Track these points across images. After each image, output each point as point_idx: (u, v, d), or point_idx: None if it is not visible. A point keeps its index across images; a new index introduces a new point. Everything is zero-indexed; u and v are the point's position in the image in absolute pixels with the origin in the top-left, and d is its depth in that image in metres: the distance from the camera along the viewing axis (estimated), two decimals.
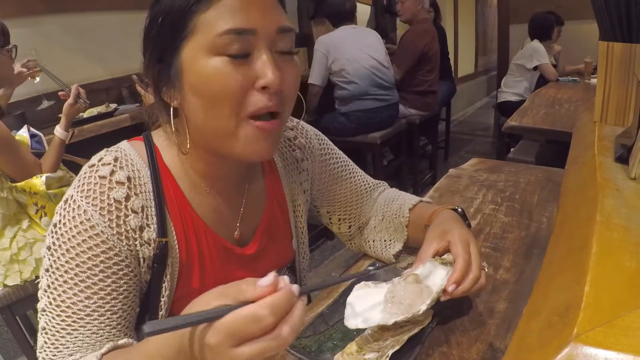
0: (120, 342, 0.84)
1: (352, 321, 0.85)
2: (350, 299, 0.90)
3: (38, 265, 2.07)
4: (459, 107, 8.05)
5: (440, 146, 5.73)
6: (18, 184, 2.04)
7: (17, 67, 2.49)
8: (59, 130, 2.25)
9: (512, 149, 4.22)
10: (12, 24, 2.21)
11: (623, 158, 1.03)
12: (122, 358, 0.78)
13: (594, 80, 4.57)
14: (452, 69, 6.22)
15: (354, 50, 3.81)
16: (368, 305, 0.88)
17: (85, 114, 2.98)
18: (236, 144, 0.83)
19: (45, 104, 2.95)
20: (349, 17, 3.91)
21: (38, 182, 2.05)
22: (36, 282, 2.03)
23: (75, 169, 2.39)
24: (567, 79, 4.85)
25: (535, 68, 4.90)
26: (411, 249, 1.19)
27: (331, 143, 1.26)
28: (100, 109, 3.16)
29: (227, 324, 0.58)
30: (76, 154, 2.45)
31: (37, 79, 2.80)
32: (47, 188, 2.06)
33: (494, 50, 9.31)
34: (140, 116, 3.15)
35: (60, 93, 2.37)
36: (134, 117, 3.14)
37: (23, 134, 2.36)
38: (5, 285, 2.03)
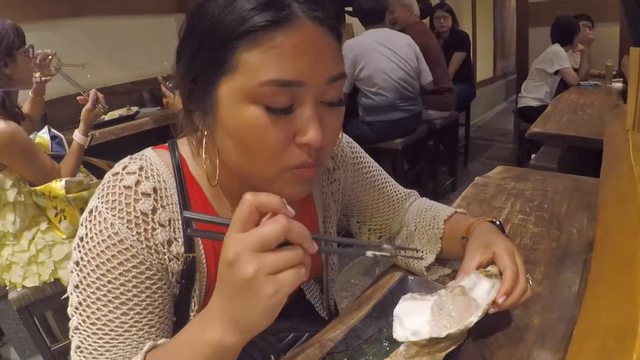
0: (160, 342, 0.81)
1: (401, 333, 0.84)
2: (397, 311, 0.88)
3: (57, 268, 2.08)
4: (477, 112, 8.01)
5: (459, 152, 5.68)
6: (37, 188, 2.04)
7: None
8: (77, 135, 2.24)
9: (532, 155, 4.19)
10: (35, 26, 2.22)
11: None
12: (162, 350, 0.76)
13: (615, 85, 4.54)
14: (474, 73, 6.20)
15: (384, 59, 3.73)
16: (415, 317, 0.86)
17: (107, 117, 2.99)
18: (272, 187, 0.78)
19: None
20: (379, 18, 3.83)
21: (57, 186, 2.05)
22: (54, 283, 2.05)
23: (96, 171, 2.40)
24: (588, 83, 4.79)
25: (556, 72, 4.84)
26: (442, 261, 1.17)
27: (363, 151, 1.22)
28: (122, 111, 3.17)
29: (243, 234, 0.59)
30: (98, 156, 2.46)
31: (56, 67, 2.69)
32: (67, 192, 2.05)
33: (512, 53, 9.26)
34: (162, 119, 3.16)
35: (79, 98, 2.36)
36: (156, 120, 3.15)
37: (44, 135, 2.37)
38: (23, 287, 2.04)
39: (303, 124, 0.73)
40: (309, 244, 0.61)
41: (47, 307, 2.16)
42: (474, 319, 0.81)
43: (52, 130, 2.42)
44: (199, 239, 0.88)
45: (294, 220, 0.60)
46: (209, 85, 0.75)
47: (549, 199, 1.58)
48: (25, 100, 2.43)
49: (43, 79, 2.36)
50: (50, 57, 2.38)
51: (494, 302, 0.85)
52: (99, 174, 2.42)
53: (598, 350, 0.54)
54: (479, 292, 0.88)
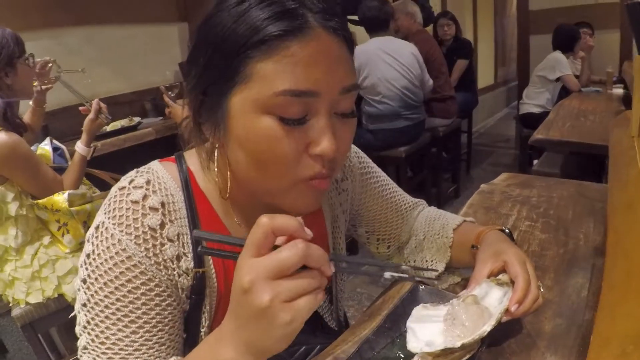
0: None
1: (414, 344, 0.83)
2: (410, 322, 0.88)
3: (60, 283, 2.05)
4: (479, 118, 8.02)
5: (462, 159, 5.69)
6: (40, 201, 2.02)
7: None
8: (79, 146, 2.22)
9: (534, 161, 4.19)
10: (36, 35, 2.21)
11: None
12: None
13: (616, 91, 4.55)
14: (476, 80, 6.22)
15: (388, 68, 3.74)
16: (429, 328, 0.86)
17: (109, 128, 2.98)
18: (285, 201, 0.79)
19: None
20: (383, 26, 3.84)
21: (60, 199, 2.02)
22: (58, 299, 2.03)
23: (99, 183, 2.39)
24: (589, 89, 4.82)
25: (558, 79, 4.87)
26: (452, 269, 1.17)
27: (371, 160, 1.21)
28: (124, 122, 3.17)
29: (258, 260, 0.58)
30: (100, 168, 2.45)
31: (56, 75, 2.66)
32: (70, 205, 2.03)
33: (513, 60, 9.31)
34: (165, 130, 3.16)
35: (81, 108, 2.34)
36: (158, 130, 3.15)
37: (45, 146, 2.36)
38: (27, 303, 2.00)
39: (317, 134, 0.72)
40: (326, 267, 0.60)
41: (51, 323, 2.14)
42: (487, 327, 0.81)
43: (54, 141, 2.42)
44: None
45: (312, 244, 0.59)
46: (221, 96, 0.75)
47: (555, 205, 1.58)
48: (25, 111, 2.42)
49: (43, 87, 2.35)
50: (49, 64, 2.38)
51: (506, 311, 0.84)
52: (102, 186, 2.41)
53: (617, 356, 0.54)
54: (491, 300, 0.88)
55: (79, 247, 2.10)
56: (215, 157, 0.83)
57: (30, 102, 2.39)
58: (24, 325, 2.03)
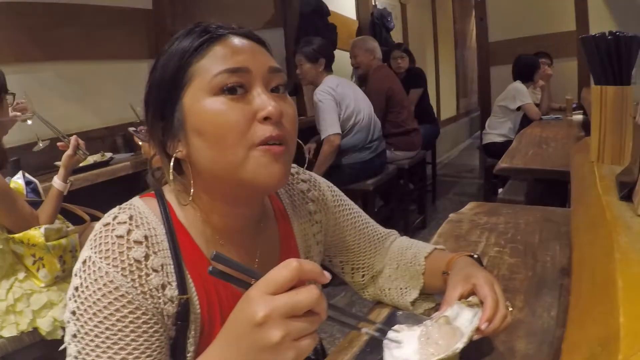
0: None
1: None
2: (386, 342, 0.91)
3: (35, 317, 2.02)
4: (443, 149, 8.14)
5: (427, 189, 5.77)
6: (15, 236, 2.01)
7: (10, 112, 2.49)
8: (56, 182, 2.21)
9: (499, 190, 4.28)
10: (9, 69, 2.19)
11: (626, 196, 1.07)
12: None
13: (576, 117, 4.70)
14: (435, 111, 6.32)
15: (356, 99, 3.85)
16: (404, 347, 0.89)
17: (82, 163, 2.96)
18: (247, 172, 0.84)
19: (41, 145, 2.91)
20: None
21: (37, 233, 2.01)
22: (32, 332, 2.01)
23: (72, 217, 2.38)
24: (550, 117, 4.96)
25: (519, 108, 4.99)
26: (425, 295, 1.21)
27: (343, 194, 1.27)
28: (96, 157, 3.15)
29: (276, 297, 0.61)
30: (72, 202, 2.43)
31: (29, 122, 2.75)
32: (46, 240, 2.02)
33: (474, 91, 9.50)
34: (136, 165, 3.16)
35: (59, 144, 2.33)
36: (130, 166, 3.15)
37: (18, 180, 2.33)
38: (1, 337, 1.97)
39: (259, 102, 0.84)
40: (325, 314, 0.64)
41: (25, 357, 2.09)
42: (460, 345, 0.85)
43: (27, 175, 2.39)
44: (191, 281, 0.90)
45: (322, 293, 0.63)
46: (175, 105, 0.87)
47: (522, 230, 1.65)
48: None
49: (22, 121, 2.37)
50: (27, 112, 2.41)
51: (477, 329, 0.89)
52: (75, 220, 2.41)
53: (587, 357, 0.60)
54: (462, 320, 0.92)
55: (54, 281, 2.09)
56: (188, 168, 0.90)
57: None
58: None
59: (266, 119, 0.82)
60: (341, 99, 3.74)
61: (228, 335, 0.66)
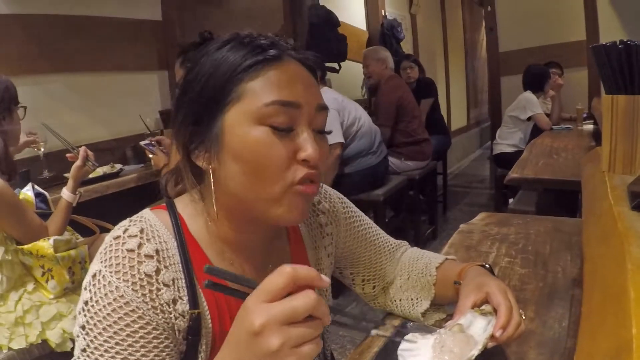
0: None
1: None
2: (400, 350, 0.91)
3: (44, 329, 2.02)
4: (453, 159, 8.14)
5: (438, 200, 5.75)
6: (24, 247, 2.01)
7: (23, 137, 2.51)
8: (66, 193, 2.22)
9: (510, 200, 4.26)
10: (18, 81, 2.20)
11: (638, 206, 1.06)
12: None
13: (586, 127, 4.67)
14: (445, 121, 6.32)
15: (355, 108, 3.88)
16: (419, 355, 0.89)
17: (91, 175, 2.98)
18: (278, 210, 0.84)
19: (46, 174, 2.97)
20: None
21: (45, 244, 2.01)
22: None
23: (81, 229, 2.39)
24: (560, 127, 4.92)
25: (529, 119, 4.98)
26: (436, 306, 1.21)
27: (354, 205, 1.26)
28: (106, 169, 3.16)
29: (271, 305, 0.61)
30: (82, 214, 2.44)
31: (42, 150, 2.85)
32: (55, 251, 2.02)
33: (485, 102, 9.50)
34: (146, 177, 3.17)
35: (68, 155, 2.35)
36: (140, 177, 3.17)
37: (27, 192, 2.34)
38: (9, 349, 1.96)
39: (302, 142, 0.82)
40: (327, 318, 0.64)
41: None
42: (475, 352, 0.85)
43: (36, 187, 2.41)
44: (202, 295, 0.89)
45: (320, 297, 0.62)
46: (215, 117, 0.84)
47: (532, 241, 1.64)
48: None
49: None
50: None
51: (491, 337, 0.88)
52: (84, 232, 2.41)
53: None
54: (476, 329, 0.92)
55: (63, 293, 2.09)
56: (211, 180, 0.88)
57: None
58: None
59: (305, 160, 0.82)
60: (342, 107, 3.78)
61: (230, 347, 0.66)
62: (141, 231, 0.86)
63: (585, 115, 5.14)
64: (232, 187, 0.85)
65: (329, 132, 0.92)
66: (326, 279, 0.65)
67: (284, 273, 0.61)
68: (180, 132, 0.88)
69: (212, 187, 0.88)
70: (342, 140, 3.72)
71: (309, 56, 0.92)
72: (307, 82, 0.86)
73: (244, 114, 0.81)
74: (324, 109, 0.88)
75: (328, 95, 3.76)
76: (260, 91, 0.81)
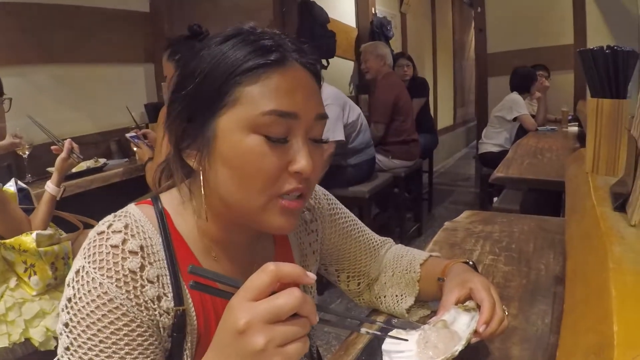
0: None
1: None
2: (385, 346, 0.91)
3: (27, 327, 1.97)
4: (439, 158, 8.17)
5: (423, 198, 5.78)
6: (7, 241, 1.97)
7: (9, 138, 2.48)
8: (50, 186, 2.19)
9: (494, 198, 4.29)
10: (2, 72, 2.18)
11: (620, 207, 1.07)
12: None
13: (571, 128, 4.71)
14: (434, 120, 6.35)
15: (352, 102, 3.92)
16: (404, 351, 0.90)
17: (75, 169, 2.95)
18: (262, 219, 0.83)
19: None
20: None
21: (28, 239, 1.97)
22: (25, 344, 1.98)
23: (64, 225, 2.36)
24: (545, 128, 4.96)
25: (515, 119, 5.02)
26: (421, 302, 1.21)
27: (339, 202, 1.26)
28: (90, 163, 3.13)
29: (256, 303, 0.61)
30: (65, 209, 2.41)
31: (27, 153, 2.82)
32: (38, 245, 1.97)
33: (471, 101, 9.55)
34: (130, 172, 3.15)
35: (52, 147, 2.32)
36: (124, 172, 3.14)
37: (10, 187, 2.31)
38: None
39: (296, 153, 0.80)
40: (314, 316, 0.64)
41: None
42: (458, 347, 0.86)
43: (19, 182, 2.38)
44: (187, 292, 0.88)
45: (306, 294, 0.62)
46: (208, 119, 0.81)
47: (516, 239, 1.65)
48: None
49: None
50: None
51: (475, 332, 0.89)
52: (68, 228, 2.39)
53: None
54: (460, 325, 0.93)
55: (46, 289, 2.06)
56: (201, 180, 0.86)
57: None
58: None
59: (297, 173, 0.80)
60: (345, 103, 3.80)
61: (216, 346, 0.65)
62: (125, 227, 0.85)
63: (570, 117, 5.20)
64: (220, 190, 0.84)
65: (326, 142, 0.90)
66: (312, 276, 0.64)
67: (267, 271, 0.61)
68: (174, 126, 0.86)
69: (202, 188, 0.87)
70: (342, 138, 3.72)
71: (314, 58, 0.89)
72: (308, 90, 0.83)
73: (239, 121, 0.79)
74: (323, 118, 0.85)
75: (330, 90, 3.77)
76: (258, 98, 0.78)
